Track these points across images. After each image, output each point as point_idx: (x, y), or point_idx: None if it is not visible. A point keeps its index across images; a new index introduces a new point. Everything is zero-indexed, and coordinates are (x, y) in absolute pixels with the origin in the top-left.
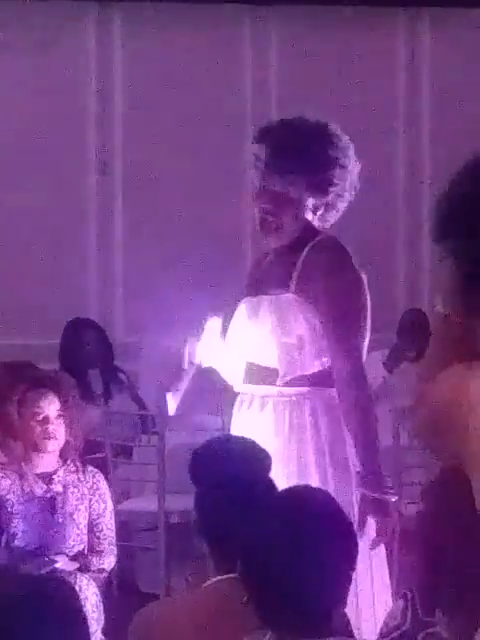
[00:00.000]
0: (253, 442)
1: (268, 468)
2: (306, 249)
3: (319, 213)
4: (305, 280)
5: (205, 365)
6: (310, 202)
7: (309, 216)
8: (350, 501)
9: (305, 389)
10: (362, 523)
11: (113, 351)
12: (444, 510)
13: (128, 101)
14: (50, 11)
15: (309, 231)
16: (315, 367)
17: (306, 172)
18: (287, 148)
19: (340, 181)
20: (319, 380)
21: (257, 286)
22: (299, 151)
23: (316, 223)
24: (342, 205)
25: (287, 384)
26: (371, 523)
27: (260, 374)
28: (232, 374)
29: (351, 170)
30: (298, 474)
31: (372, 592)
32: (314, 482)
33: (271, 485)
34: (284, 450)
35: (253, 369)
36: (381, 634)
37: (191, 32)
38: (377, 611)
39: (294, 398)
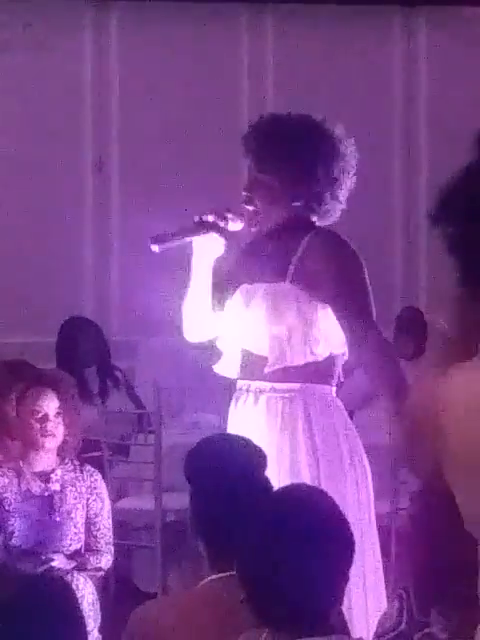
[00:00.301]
0: (248, 440)
1: (263, 466)
2: (305, 238)
3: (314, 210)
4: (304, 268)
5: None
6: (296, 193)
7: (306, 213)
8: (342, 497)
9: (297, 385)
10: None
11: (109, 350)
12: (437, 509)
13: (125, 100)
14: (46, 11)
15: (307, 223)
16: (303, 359)
17: (282, 158)
18: (266, 134)
19: (324, 174)
20: (312, 376)
21: (254, 273)
22: (275, 137)
23: (318, 222)
24: (335, 202)
25: (279, 379)
26: (364, 538)
27: (253, 362)
28: (228, 361)
29: (342, 167)
30: (290, 470)
31: (364, 592)
32: (305, 478)
33: (267, 483)
34: (276, 445)
35: (247, 357)
36: (376, 635)
37: (188, 31)
38: (369, 610)
39: (287, 394)
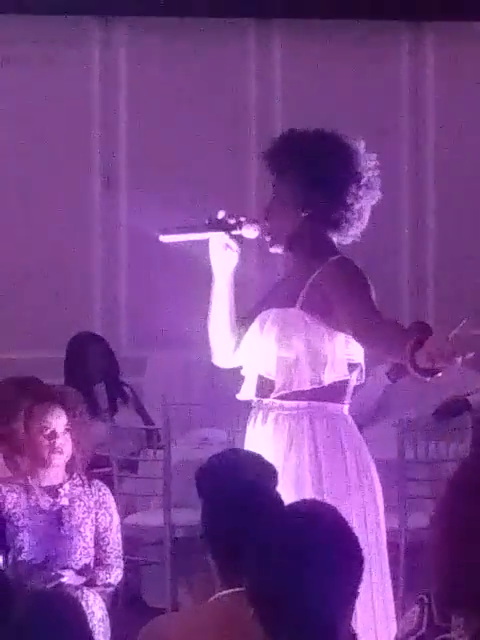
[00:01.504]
0: (259, 456)
1: (275, 482)
2: (321, 267)
3: (335, 227)
4: (314, 295)
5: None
6: (316, 209)
7: (327, 232)
8: (347, 514)
9: (305, 403)
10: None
11: (118, 365)
12: (459, 514)
13: (132, 115)
14: (54, 27)
15: (325, 251)
16: (310, 384)
17: (304, 172)
18: (288, 147)
19: (345, 190)
20: (320, 396)
21: (270, 301)
22: (297, 150)
23: (334, 239)
24: (355, 220)
25: (286, 397)
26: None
27: (264, 386)
28: (247, 386)
29: (364, 183)
30: (294, 486)
31: (372, 608)
32: (309, 494)
33: (278, 499)
34: (282, 462)
35: (260, 381)
36: (396, 639)
37: (195, 46)
38: (377, 627)
39: (294, 411)
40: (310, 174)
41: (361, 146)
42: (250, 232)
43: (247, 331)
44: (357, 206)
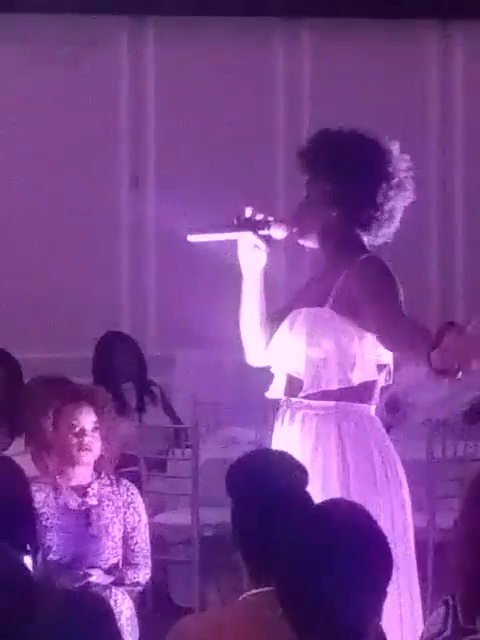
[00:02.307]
0: (290, 456)
1: (305, 482)
2: (352, 265)
3: (366, 227)
4: (344, 294)
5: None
6: (342, 210)
7: (357, 232)
8: (374, 514)
9: (332, 403)
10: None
11: (146, 364)
12: None
13: (161, 115)
14: (83, 25)
15: (358, 247)
16: (336, 384)
17: (338, 171)
18: (323, 146)
19: (378, 191)
20: (347, 396)
21: (301, 300)
22: (331, 149)
23: (365, 239)
24: (388, 220)
25: (314, 397)
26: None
27: (293, 385)
28: (276, 385)
29: (397, 184)
30: (322, 486)
31: (399, 608)
32: (336, 494)
33: (307, 499)
34: (309, 461)
35: (289, 380)
36: None
37: (223, 45)
38: (404, 627)
39: (321, 411)
40: (340, 173)
41: (395, 147)
42: (278, 232)
43: (277, 326)
44: (388, 206)
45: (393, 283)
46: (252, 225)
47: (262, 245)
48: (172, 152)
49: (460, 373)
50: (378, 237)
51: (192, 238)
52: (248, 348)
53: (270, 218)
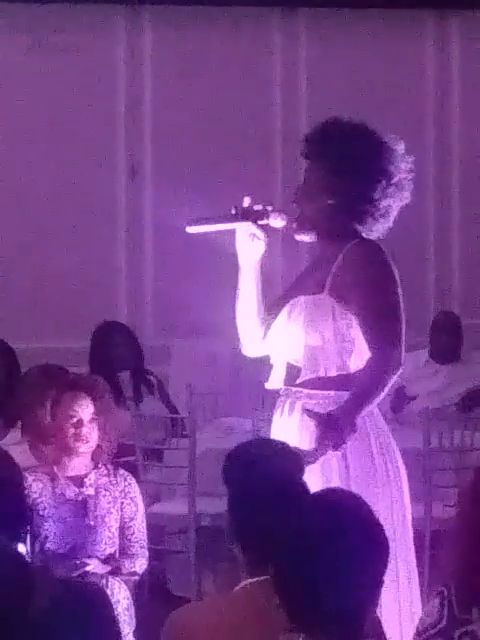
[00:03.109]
0: (286, 445)
1: (301, 471)
2: (345, 249)
3: (361, 220)
4: (340, 279)
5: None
6: (337, 200)
7: (352, 223)
8: (373, 502)
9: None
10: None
11: (143, 354)
12: None
13: (158, 104)
14: (79, 14)
15: (350, 235)
16: (335, 370)
17: (339, 160)
18: (328, 134)
19: (377, 185)
20: (346, 384)
21: (299, 288)
22: (335, 137)
23: (363, 234)
24: (383, 215)
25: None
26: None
27: (292, 373)
28: (275, 375)
29: (397, 182)
30: (321, 476)
31: (397, 597)
32: (335, 482)
33: (304, 488)
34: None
35: (289, 369)
36: (417, 632)
37: (220, 34)
38: (402, 616)
39: (321, 400)
40: (339, 163)
41: (399, 146)
42: (277, 222)
43: (274, 315)
44: (384, 203)
45: (386, 270)
46: (250, 215)
47: (260, 235)
48: (169, 142)
49: None
50: (372, 232)
51: (190, 229)
52: (244, 339)
53: (269, 208)
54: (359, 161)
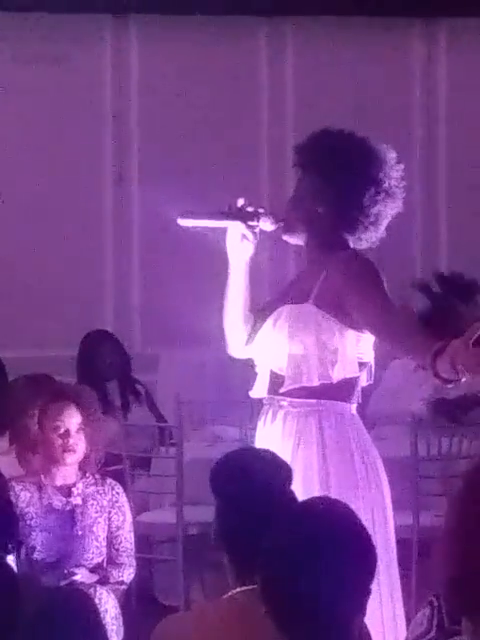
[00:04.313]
0: (274, 454)
1: (289, 480)
2: (333, 260)
3: (351, 230)
4: (326, 289)
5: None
6: (327, 208)
7: (342, 234)
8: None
9: (313, 401)
10: None
11: (130, 363)
12: (471, 515)
13: (144, 112)
14: (66, 24)
15: (339, 245)
16: (319, 380)
17: (317, 169)
18: (310, 145)
19: (367, 195)
20: (328, 393)
21: (285, 297)
22: (327, 148)
23: (351, 244)
24: (373, 226)
25: (296, 395)
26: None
27: (276, 382)
28: (259, 383)
29: (386, 193)
30: (303, 485)
31: (380, 606)
32: (317, 493)
33: (291, 497)
34: (290, 460)
35: (273, 378)
36: None
37: (207, 44)
38: (385, 625)
39: (303, 409)
40: (329, 170)
41: (390, 155)
42: (267, 225)
43: (261, 322)
44: (373, 210)
45: (377, 276)
46: (242, 215)
47: (250, 236)
48: (156, 149)
49: (463, 379)
50: (362, 240)
51: (182, 222)
52: (230, 338)
53: (260, 210)
54: (348, 168)
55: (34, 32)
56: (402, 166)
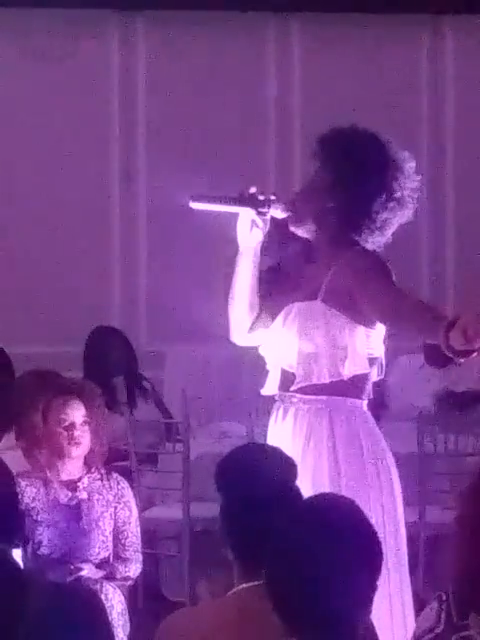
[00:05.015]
0: (279, 450)
1: (295, 476)
2: (341, 258)
3: (352, 230)
4: (335, 286)
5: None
6: (337, 205)
7: (351, 234)
8: (365, 510)
9: (324, 398)
10: None
11: (137, 359)
12: None
13: (151, 108)
14: (73, 20)
15: (347, 243)
16: (330, 377)
17: (333, 165)
18: (331, 140)
19: (367, 198)
20: (339, 390)
21: (294, 294)
22: (336, 145)
23: (360, 242)
24: (374, 228)
25: (306, 391)
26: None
27: (286, 379)
28: (270, 380)
29: (399, 198)
30: (313, 482)
31: (389, 603)
32: (327, 490)
33: (297, 493)
34: (301, 457)
35: (283, 375)
36: (414, 636)
37: (214, 40)
38: (394, 621)
39: (313, 406)
40: (346, 171)
41: (409, 165)
42: (277, 212)
43: (265, 312)
44: (382, 216)
45: (386, 269)
46: (253, 202)
47: (260, 223)
48: (163, 146)
49: (475, 353)
50: (368, 243)
51: (194, 205)
52: (234, 325)
53: (272, 197)
54: (363, 172)
55: (41, 28)
56: (419, 177)
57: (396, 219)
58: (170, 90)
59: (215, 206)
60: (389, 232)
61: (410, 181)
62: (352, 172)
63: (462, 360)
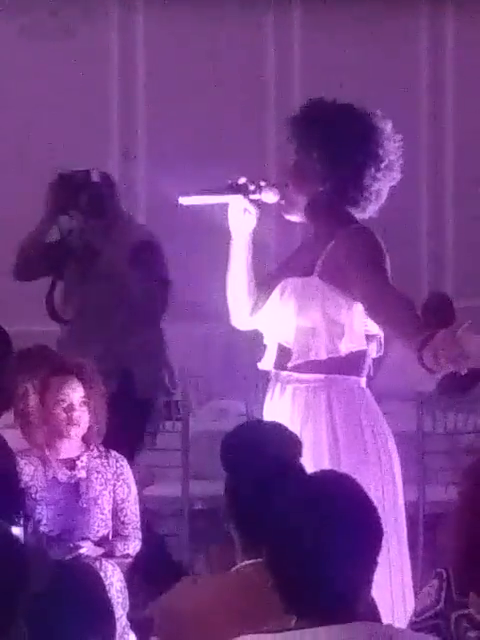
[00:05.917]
0: (284, 427)
1: (298, 453)
2: (338, 234)
3: (352, 201)
4: (331, 263)
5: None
6: (334, 180)
7: (344, 205)
8: (363, 485)
9: (322, 376)
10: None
11: None
12: None
13: (151, 87)
14: (73, 0)
15: (343, 221)
16: (325, 354)
17: (327, 141)
18: (314, 116)
19: (366, 166)
20: (337, 367)
21: (292, 268)
22: (322, 119)
23: (353, 213)
24: (370, 199)
25: (304, 370)
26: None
27: (282, 354)
28: (268, 356)
29: (386, 163)
30: (312, 459)
31: (389, 581)
32: (326, 467)
33: (301, 470)
34: (300, 434)
35: (280, 351)
36: (415, 612)
37: (214, 21)
38: (394, 598)
39: (311, 384)
40: (328, 151)
41: (387, 126)
42: (269, 196)
43: (265, 293)
44: (375, 187)
45: (381, 253)
46: (243, 189)
47: (253, 209)
48: (163, 125)
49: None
50: (365, 212)
51: (184, 200)
52: (234, 311)
53: (262, 182)
54: (347, 148)
55: (41, 8)
56: (399, 136)
57: (387, 184)
58: (169, 70)
59: (205, 198)
60: (384, 197)
61: (392, 142)
62: (336, 152)
63: (436, 375)
